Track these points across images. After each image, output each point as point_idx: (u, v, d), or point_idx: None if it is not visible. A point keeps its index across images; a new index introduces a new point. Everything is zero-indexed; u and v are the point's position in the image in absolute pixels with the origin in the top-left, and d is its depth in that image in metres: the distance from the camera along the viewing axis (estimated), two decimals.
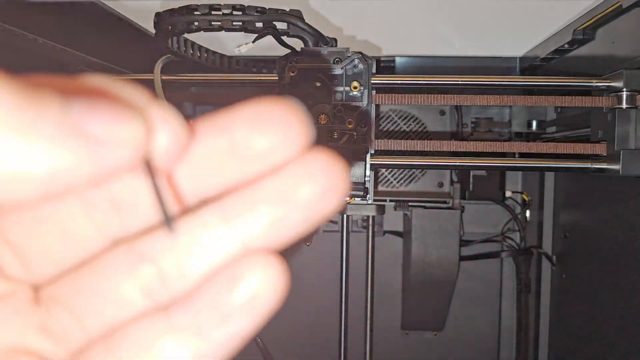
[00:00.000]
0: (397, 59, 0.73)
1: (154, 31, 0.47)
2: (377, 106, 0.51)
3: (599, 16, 0.52)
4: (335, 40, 0.50)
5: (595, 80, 0.49)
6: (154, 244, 0.14)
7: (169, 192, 0.14)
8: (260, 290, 0.14)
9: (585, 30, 0.55)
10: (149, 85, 0.49)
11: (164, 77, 0.51)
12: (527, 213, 0.80)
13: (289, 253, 0.15)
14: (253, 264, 0.14)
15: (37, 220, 0.14)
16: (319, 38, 0.47)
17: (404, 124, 0.77)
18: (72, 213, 0.14)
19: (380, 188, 0.78)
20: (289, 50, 0.48)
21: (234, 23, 0.45)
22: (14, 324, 0.14)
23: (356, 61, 0.48)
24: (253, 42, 0.47)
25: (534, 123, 0.77)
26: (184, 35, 0.50)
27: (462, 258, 0.75)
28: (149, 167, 0.13)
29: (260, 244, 0.14)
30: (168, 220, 0.14)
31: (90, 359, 0.14)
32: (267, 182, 0.14)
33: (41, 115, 0.11)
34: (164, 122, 0.13)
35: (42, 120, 0.11)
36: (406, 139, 0.50)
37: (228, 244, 0.14)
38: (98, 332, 0.14)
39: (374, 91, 0.49)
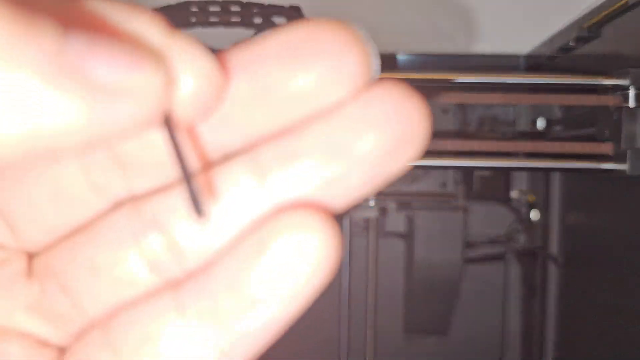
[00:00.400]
0: (399, 56, 0.73)
1: None
2: None
3: (604, 13, 0.51)
4: None
5: (601, 79, 0.48)
6: (163, 207, 0.11)
7: (192, 152, 0.11)
8: (303, 262, 0.10)
9: (591, 28, 0.55)
10: None
11: None
12: (533, 214, 0.79)
13: (337, 220, 0.11)
14: (293, 224, 0.10)
15: (22, 178, 0.12)
16: None
17: None
18: (64, 169, 0.12)
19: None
20: None
21: (233, 19, 0.44)
22: (2, 300, 0.11)
23: None
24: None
25: (539, 122, 0.76)
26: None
27: (466, 260, 0.74)
28: (170, 126, 0.10)
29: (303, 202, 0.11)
30: (195, 201, 0.10)
31: (85, 347, 0.12)
32: (315, 129, 0.11)
33: (32, 44, 0.08)
34: (191, 64, 0.10)
35: (32, 51, 0.08)
36: None
37: (259, 208, 0.11)
38: (96, 313, 0.12)
39: None
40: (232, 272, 0.11)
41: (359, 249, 0.68)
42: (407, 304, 0.82)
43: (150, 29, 0.10)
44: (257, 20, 0.44)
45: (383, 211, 0.62)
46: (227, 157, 0.11)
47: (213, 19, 0.44)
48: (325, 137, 0.11)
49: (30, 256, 0.12)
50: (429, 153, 0.52)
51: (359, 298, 0.65)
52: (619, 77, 0.47)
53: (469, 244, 0.77)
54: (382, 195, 0.76)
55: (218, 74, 0.10)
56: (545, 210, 0.74)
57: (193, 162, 0.11)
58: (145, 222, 0.11)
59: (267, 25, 0.45)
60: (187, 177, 0.10)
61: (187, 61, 0.10)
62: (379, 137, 0.10)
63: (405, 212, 0.74)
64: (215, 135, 0.11)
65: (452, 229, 0.73)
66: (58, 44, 0.08)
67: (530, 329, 0.77)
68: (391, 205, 0.75)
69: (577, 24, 0.56)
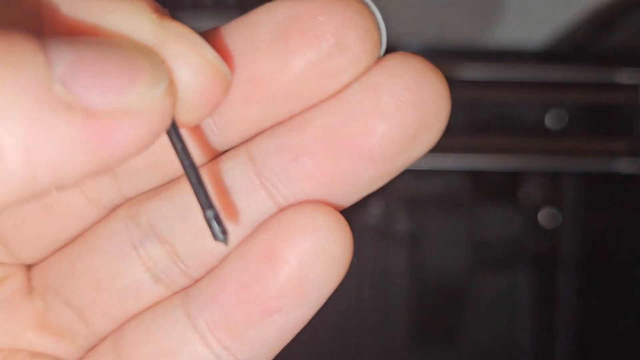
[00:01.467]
0: (405, 48, 0.71)
1: None
2: None
3: (619, 7, 0.49)
4: None
5: (617, 72, 0.47)
6: (158, 213, 0.11)
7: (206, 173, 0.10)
8: (318, 264, 0.10)
9: (607, 19, 0.53)
10: None
11: None
12: (544, 216, 0.77)
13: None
14: (302, 225, 0.10)
15: None
16: None
17: None
18: None
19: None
20: None
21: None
22: (8, 320, 0.11)
23: None
24: None
25: (551, 117, 0.74)
26: None
27: (474, 264, 0.73)
28: (176, 134, 0.09)
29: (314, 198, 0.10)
30: (216, 225, 0.09)
31: None
32: (319, 122, 0.10)
33: (17, 82, 0.07)
34: (191, 61, 0.09)
35: (19, 93, 0.07)
36: None
37: (263, 208, 0.10)
38: (104, 326, 0.11)
39: None
40: (242, 281, 0.10)
41: (363, 252, 0.67)
42: (412, 311, 0.81)
43: (139, 20, 0.09)
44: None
45: (387, 213, 0.61)
46: (225, 155, 0.11)
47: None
48: (330, 130, 0.10)
49: (29, 272, 0.12)
50: (436, 150, 0.50)
51: (364, 303, 0.64)
52: (636, 71, 0.46)
53: (477, 247, 0.76)
54: (386, 196, 0.75)
55: (222, 68, 0.09)
56: (557, 212, 0.73)
57: (202, 169, 0.10)
58: (143, 230, 0.11)
59: None
60: (205, 199, 0.09)
61: (186, 58, 0.09)
62: (391, 128, 0.09)
63: (410, 214, 0.73)
64: (211, 133, 0.11)
65: (459, 231, 0.72)
66: (44, 74, 0.07)
67: (542, 335, 0.76)
68: (396, 206, 0.74)
69: (591, 16, 0.55)
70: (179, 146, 0.09)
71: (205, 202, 0.09)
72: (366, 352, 0.63)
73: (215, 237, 0.09)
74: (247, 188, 0.10)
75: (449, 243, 0.71)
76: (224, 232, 0.09)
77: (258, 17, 0.10)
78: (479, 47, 0.70)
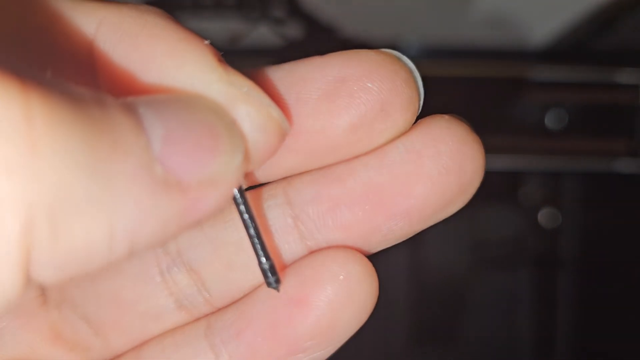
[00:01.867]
0: (403, 48, 0.71)
1: None
2: None
3: (620, 6, 0.49)
4: (334, 28, 0.47)
5: (617, 72, 0.47)
6: (188, 242, 0.11)
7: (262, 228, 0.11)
8: (346, 310, 0.10)
9: (607, 19, 0.53)
10: None
11: None
12: (544, 216, 0.76)
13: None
14: (334, 270, 0.10)
15: None
16: (317, 27, 0.45)
17: None
18: None
19: None
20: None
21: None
22: (24, 330, 0.11)
23: None
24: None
25: (551, 117, 0.74)
26: None
27: (474, 264, 0.73)
28: (241, 197, 0.10)
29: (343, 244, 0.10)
30: (267, 270, 0.10)
31: None
32: (359, 177, 0.10)
33: (128, 170, 0.07)
34: (259, 119, 0.09)
35: (130, 178, 0.08)
36: None
37: (294, 249, 0.11)
38: (122, 345, 0.11)
39: None
40: (271, 321, 0.10)
41: None
42: (412, 312, 0.80)
43: (208, 75, 0.09)
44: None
45: None
46: (264, 192, 0.11)
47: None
48: (371, 186, 0.10)
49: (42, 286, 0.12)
50: None
51: None
52: (633, 72, 0.46)
53: (477, 248, 0.76)
54: None
55: (284, 125, 0.09)
56: (557, 212, 0.72)
57: (269, 247, 0.11)
58: (171, 257, 0.11)
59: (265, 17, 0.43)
60: (262, 249, 0.10)
61: (255, 118, 0.09)
62: (430, 193, 0.10)
63: None
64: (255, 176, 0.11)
65: (459, 232, 0.71)
66: (147, 157, 0.08)
67: (542, 337, 0.76)
68: None
69: (591, 16, 0.55)
70: (240, 200, 0.10)
71: (261, 252, 0.10)
72: (366, 352, 0.63)
73: (269, 284, 0.10)
74: (282, 229, 0.11)
75: (449, 243, 0.71)
76: (278, 281, 0.10)
77: (309, 71, 0.10)
78: (479, 47, 0.70)
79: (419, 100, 0.10)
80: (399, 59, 0.10)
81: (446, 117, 0.10)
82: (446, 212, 0.10)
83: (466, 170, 0.10)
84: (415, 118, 0.10)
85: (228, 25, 0.47)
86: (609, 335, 0.57)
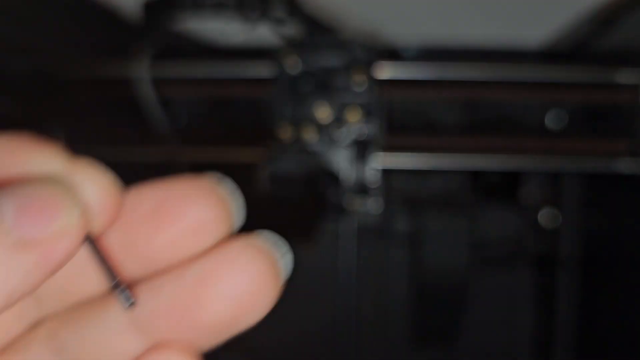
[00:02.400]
0: (404, 48, 0.71)
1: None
2: (384, 101, 0.49)
3: (622, 3, 0.49)
4: (334, 28, 0.47)
5: (618, 72, 0.46)
6: (73, 334, 0.13)
7: (113, 259, 0.13)
8: None
9: (607, 19, 0.53)
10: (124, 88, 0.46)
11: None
12: (544, 216, 0.77)
13: None
14: None
15: None
16: (317, 27, 0.45)
17: (409, 118, 0.74)
18: None
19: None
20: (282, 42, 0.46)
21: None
22: None
23: (360, 51, 0.46)
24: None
25: (551, 117, 0.74)
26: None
27: (475, 264, 0.73)
28: (91, 239, 0.12)
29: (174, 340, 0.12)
30: (121, 292, 0.12)
31: None
32: (167, 282, 0.12)
33: None
34: (96, 181, 0.12)
35: None
36: (410, 135, 0.48)
37: (129, 344, 0.13)
38: None
39: (382, 84, 0.46)
40: None
41: (363, 252, 0.66)
42: (413, 312, 0.80)
43: (51, 162, 0.11)
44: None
45: (387, 213, 0.60)
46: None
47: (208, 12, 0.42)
48: (175, 292, 0.12)
49: None
50: (434, 150, 0.50)
51: (364, 303, 0.63)
52: (636, 70, 0.46)
53: (478, 247, 0.75)
54: (387, 196, 0.75)
55: (118, 187, 0.12)
56: (558, 212, 0.72)
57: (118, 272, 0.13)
58: (59, 342, 0.13)
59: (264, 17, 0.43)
60: (110, 271, 0.12)
61: (92, 179, 0.12)
62: (218, 317, 0.12)
63: (410, 213, 0.73)
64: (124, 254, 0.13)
65: (460, 231, 0.71)
66: (2, 227, 0.10)
67: (543, 336, 0.75)
68: (396, 206, 0.74)
69: (591, 16, 0.55)
70: (90, 245, 0.12)
71: (114, 278, 0.12)
72: (366, 352, 0.63)
73: (124, 301, 0.12)
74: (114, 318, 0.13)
75: (449, 243, 0.71)
76: (131, 299, 0.12)
77: (142, 193, 0.13)
78: (479, 47, 0.70)
79: (233, 214, 0.12)
80: (217, 184, 0.12)
81: (247, 241, 0.12)
82: (240, 327, 0.12)
83: (256, 286, 0.11)
84: (230, 228, 0.12)
85: (228, 25, 0.47)
86: (609, 335, 0.57)
